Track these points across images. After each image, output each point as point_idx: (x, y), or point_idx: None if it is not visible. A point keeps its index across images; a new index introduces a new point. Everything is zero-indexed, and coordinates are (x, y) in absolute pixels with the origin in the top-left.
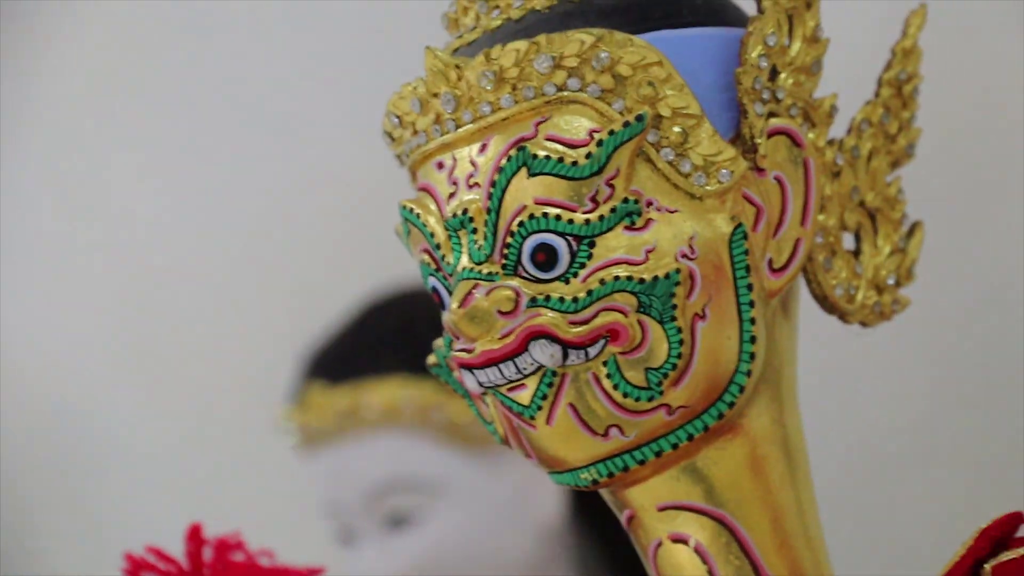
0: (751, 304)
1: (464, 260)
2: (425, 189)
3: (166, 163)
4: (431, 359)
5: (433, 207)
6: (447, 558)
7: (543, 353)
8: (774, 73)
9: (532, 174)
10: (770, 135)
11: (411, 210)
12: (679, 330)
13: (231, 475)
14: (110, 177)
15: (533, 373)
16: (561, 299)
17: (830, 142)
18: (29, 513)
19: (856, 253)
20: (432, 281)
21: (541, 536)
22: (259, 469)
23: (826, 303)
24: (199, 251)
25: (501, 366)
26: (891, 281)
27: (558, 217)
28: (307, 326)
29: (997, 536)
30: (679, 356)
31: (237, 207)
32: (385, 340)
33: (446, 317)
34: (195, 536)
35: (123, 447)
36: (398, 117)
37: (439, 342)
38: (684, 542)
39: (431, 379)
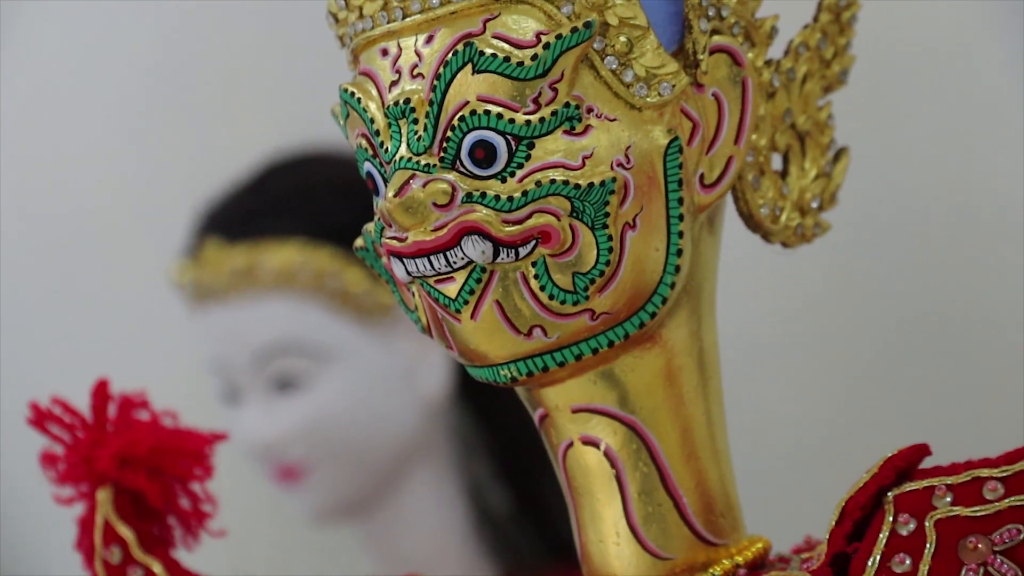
0: (680, 217)
1: (402, 149)
2: (367, 74)
3: None
4: (358, 242)
5: (374, 92)
6: (329, 424)
7: (474, 249)
8: None
9: (477, 71)
10: (712, 52)
11: (352, 94)
12: (609, 238)
13: (123, 326)
14: None
15: (463, 267)
16: (496, 197)
17: (767, 63)
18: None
19: (783, 174)
20: (367, 166)
21: (424, 410)
22: (151, 323)
23: (751, 221)
24: (101, 98)
25: (432, 257)
26: (815, 204)
27: (499, 116)
28: (206, 184)
29: (902, 466)
30: (607, 263)
31: (143, 54)
32: (285, 203)
33: (381, 204)
34: (100, 391)
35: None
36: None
37: (369, 226)
38: (595, 445)
39: (328, 245)
